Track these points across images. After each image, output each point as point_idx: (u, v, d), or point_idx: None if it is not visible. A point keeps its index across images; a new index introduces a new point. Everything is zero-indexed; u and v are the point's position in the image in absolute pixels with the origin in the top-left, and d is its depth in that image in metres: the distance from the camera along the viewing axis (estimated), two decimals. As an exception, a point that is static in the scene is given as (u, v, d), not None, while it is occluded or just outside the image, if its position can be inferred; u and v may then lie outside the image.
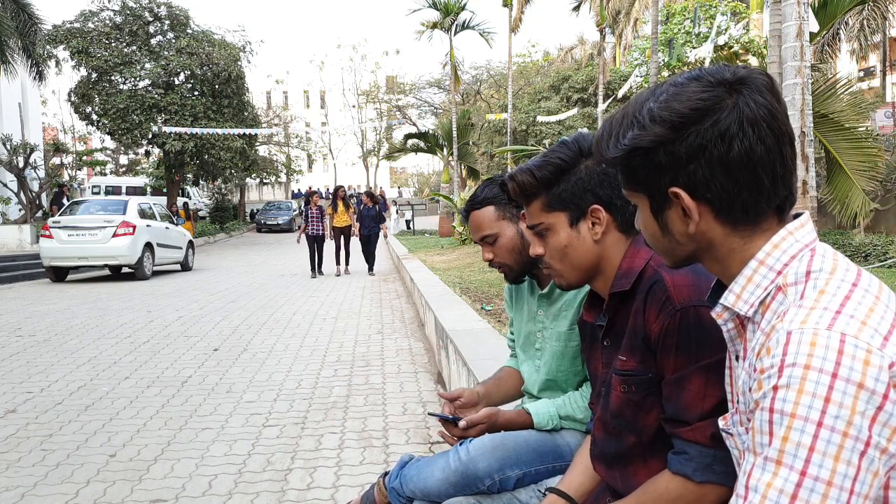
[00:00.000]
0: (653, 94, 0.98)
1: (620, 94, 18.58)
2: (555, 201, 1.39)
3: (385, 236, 14.76)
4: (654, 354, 1.26)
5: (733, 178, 0.94)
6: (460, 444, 1.76)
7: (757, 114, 0.93)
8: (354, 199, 14.50)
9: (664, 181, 0.97)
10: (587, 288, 1.48)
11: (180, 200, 29.51)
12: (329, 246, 13.76)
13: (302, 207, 13.98)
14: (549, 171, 1.40)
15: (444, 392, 1.99)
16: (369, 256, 13.62)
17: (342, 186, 14.15)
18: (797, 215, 0.99)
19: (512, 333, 2.07)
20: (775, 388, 0.82)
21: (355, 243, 13.95)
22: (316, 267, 13.25)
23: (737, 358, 1.04)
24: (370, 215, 13.59)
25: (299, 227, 13.79)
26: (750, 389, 0.90)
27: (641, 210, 1.05)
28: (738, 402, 1.00)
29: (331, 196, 14.29)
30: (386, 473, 1.90)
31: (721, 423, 1.04)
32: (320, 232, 13.31)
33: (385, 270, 14.03)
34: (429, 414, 2.14)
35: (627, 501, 1.25)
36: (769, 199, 0.96)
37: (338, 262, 13.61)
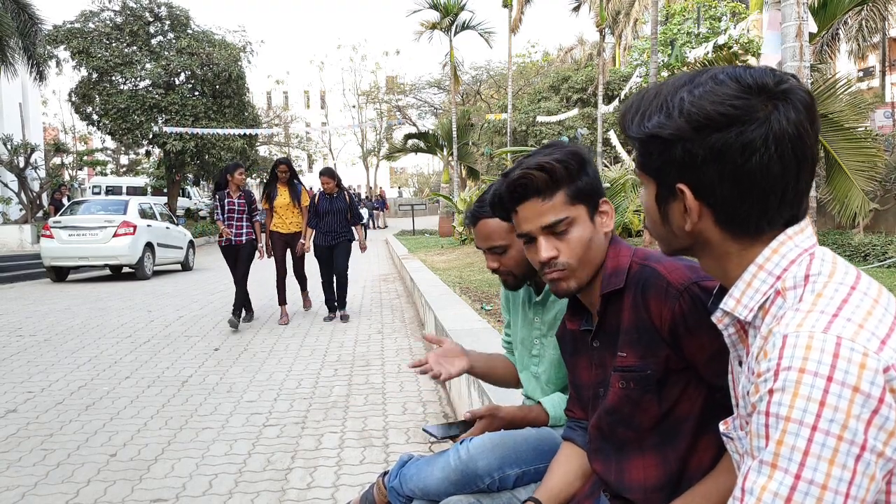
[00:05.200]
0: (691, 81, 0.95)
1: (623, 95, 18.61)
2: (578, 193, 1.35)
3: (362, 248, 8.07)
4: (673, 344, 1.25)
5: (740, 190, 0.92)
6: (460, 443, 1.77)
7: (786, 131, 0.90)
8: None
9: (673, 174, 0.96)
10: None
11: (208, 200, 29.36)
12: (264, 266, 8.30)
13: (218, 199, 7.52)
14: (576, 162, 1.36)
15: (429, 335, 1.99)
16: (340, 285, 7.55)
17: (286, 159, 7.84)
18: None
19: (508, 336, 2.08)
20: (771, 391, 0.82)
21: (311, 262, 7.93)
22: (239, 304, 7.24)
23: (739, 363, 1.03)
24: (334, 210, 7.39)
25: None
26: (748, 393, 0.90)
27: (648, 193, 1.04)
28: (738, 406, 1.00)
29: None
30: (385, 473, 1.90)
31: (722, 427, 1.04)
32: (243, 239, 7.29)
33: (384, 271, 13.72)
34: (423, 430, 2.12)
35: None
36: (772, 220, 0.94)
37: (302, 291, 8.26)
